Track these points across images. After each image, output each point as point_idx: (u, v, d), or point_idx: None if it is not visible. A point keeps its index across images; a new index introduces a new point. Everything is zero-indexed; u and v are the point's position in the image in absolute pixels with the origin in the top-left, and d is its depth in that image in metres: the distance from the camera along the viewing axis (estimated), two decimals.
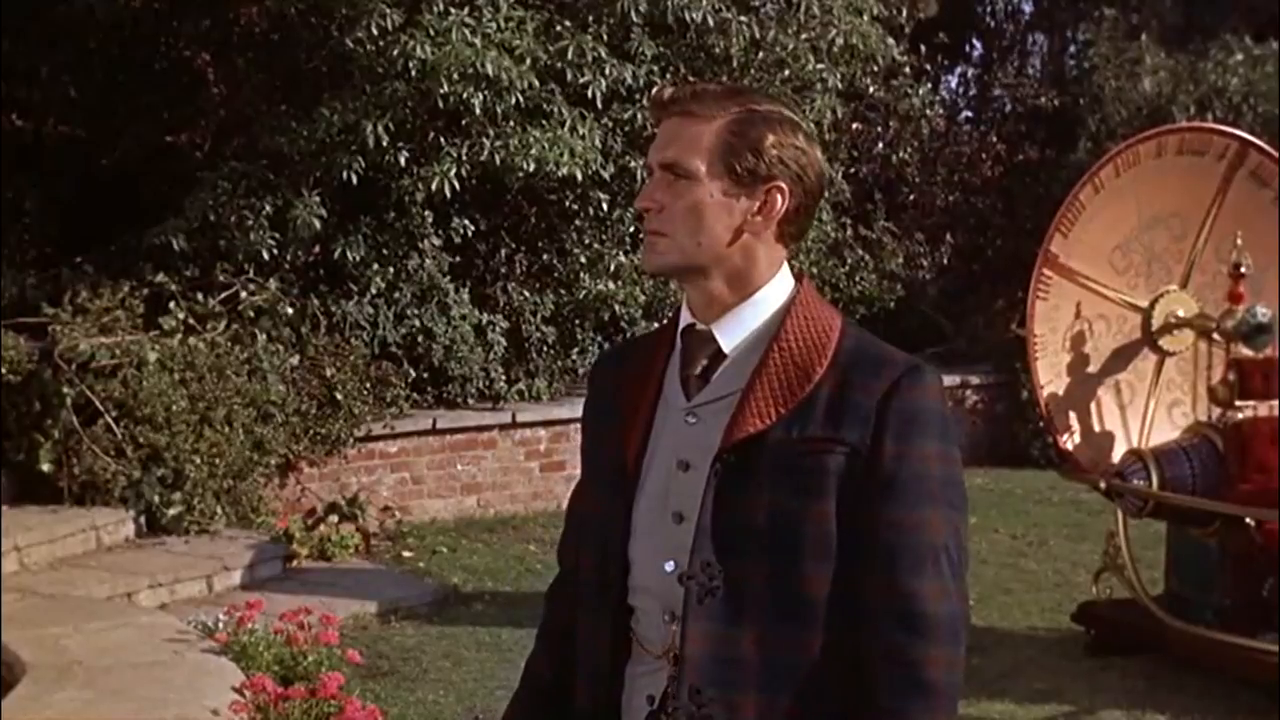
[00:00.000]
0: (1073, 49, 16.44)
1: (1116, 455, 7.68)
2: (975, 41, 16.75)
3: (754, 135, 2.42)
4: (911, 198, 14.61)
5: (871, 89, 13.46)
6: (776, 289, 2.48)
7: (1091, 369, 7.78)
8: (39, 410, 8.77)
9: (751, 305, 2.47)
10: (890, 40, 12.20)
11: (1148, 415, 7.79)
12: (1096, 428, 7.78)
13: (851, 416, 2.38)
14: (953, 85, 16.75)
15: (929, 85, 14.88)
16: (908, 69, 13.80)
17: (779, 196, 2.43)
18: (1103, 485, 7.56)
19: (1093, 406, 7.77)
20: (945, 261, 14.08)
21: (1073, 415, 7.75)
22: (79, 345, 8.81)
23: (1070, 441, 7.74)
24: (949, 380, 13.05)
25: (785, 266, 2.50)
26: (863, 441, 2.38)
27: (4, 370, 8.82)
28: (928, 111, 14.16)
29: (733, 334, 2.48)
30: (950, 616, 2.38)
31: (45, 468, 8.64)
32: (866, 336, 2.50)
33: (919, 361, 2.46)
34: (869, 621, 2.38)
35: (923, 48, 14.09)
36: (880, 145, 14.45)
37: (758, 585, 2.40)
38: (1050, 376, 7.71)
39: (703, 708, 2.43)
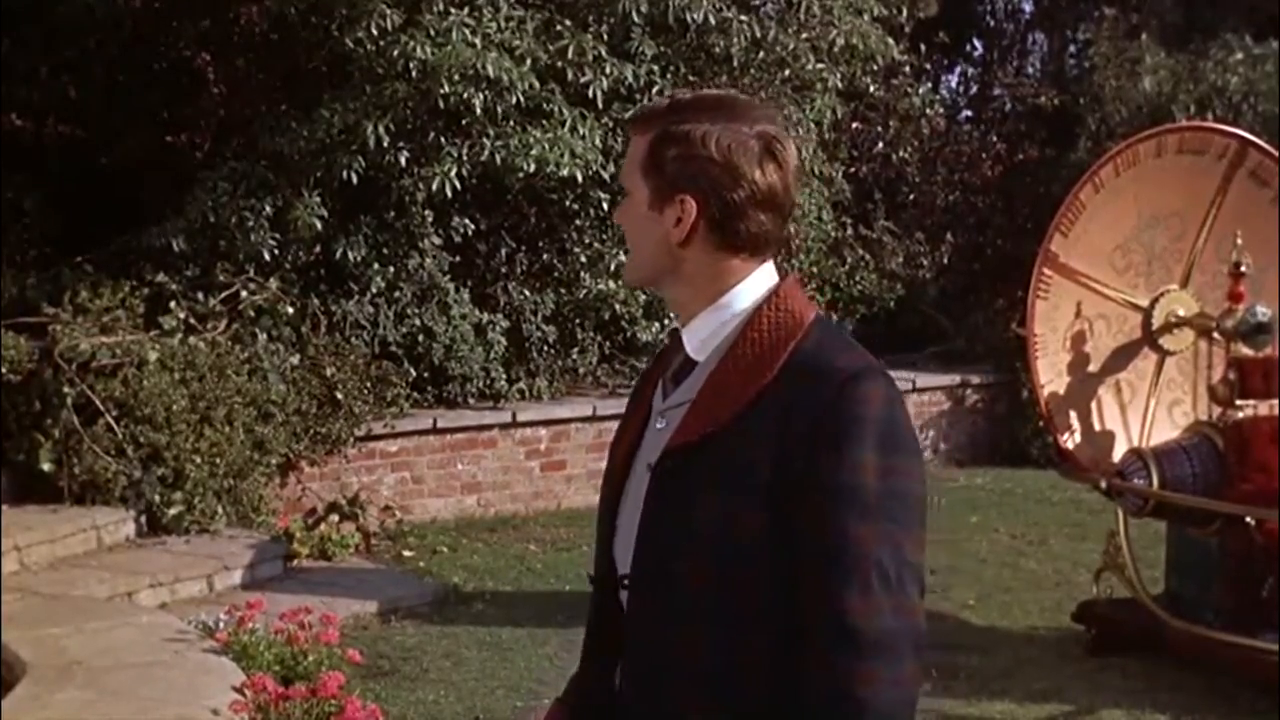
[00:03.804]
0: (1073, 48, 16.45)
1: (1117, 454, 7.68)
2: (975, 41, 16.75)
3: (662, 150, 2.46)
4: (911, 197, 14.61)
5: (872, 88, 13.47)
6: (744, 294, 2.49)
7: (1092, 368, 7.79)
8: (39, 410, 8.77)
9: (716, 310, 2.49)
10: (890, 40, 12.20)
11: (1148, 414, 7.79)
12: (1097, 427, 7.79)
13: (790, 424, 2.36)
14: (953, 85, 16.78)
15: (929, 85, 14.92)
16: (908, 68, 13.82)
17: (689, 208, 2.45)
18: (1103, 484, 7.56)
19: (1093, 406, 7.78)
20: (945, 261, 14.08)
21: (1073, 414, 7.76)
22: (79, 345, 8.81)
23: (1071, 441, 7.74)
24: (948, 380, 13.07)
25: (759, 271, 2.50)
26: (798, 450, 2.35)
27: (4, 370, 8.83)
28: (928, 111, 14.17)
29: (698, 339, 2.51)
30: (883, 632, 2.32)
31: (46, 467, 8.64)
32: (830, 341, 2.47)
33: (867, 369, 2.41)
34: (802, 634, 2.36)
35: (923, 47, 14.10)
36: (880, 145, 14.46)
37: (689, 589, 2.42)
38: (1050, 376, 7.72)
39: (635, 704, 2.50)
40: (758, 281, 2.50)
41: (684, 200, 2.45)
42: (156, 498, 8.76)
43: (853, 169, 14.20)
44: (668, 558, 2.45)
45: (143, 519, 8.80)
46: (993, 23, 16.73)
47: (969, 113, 16.30)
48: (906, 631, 2.34)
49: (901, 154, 14.30)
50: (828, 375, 2.38)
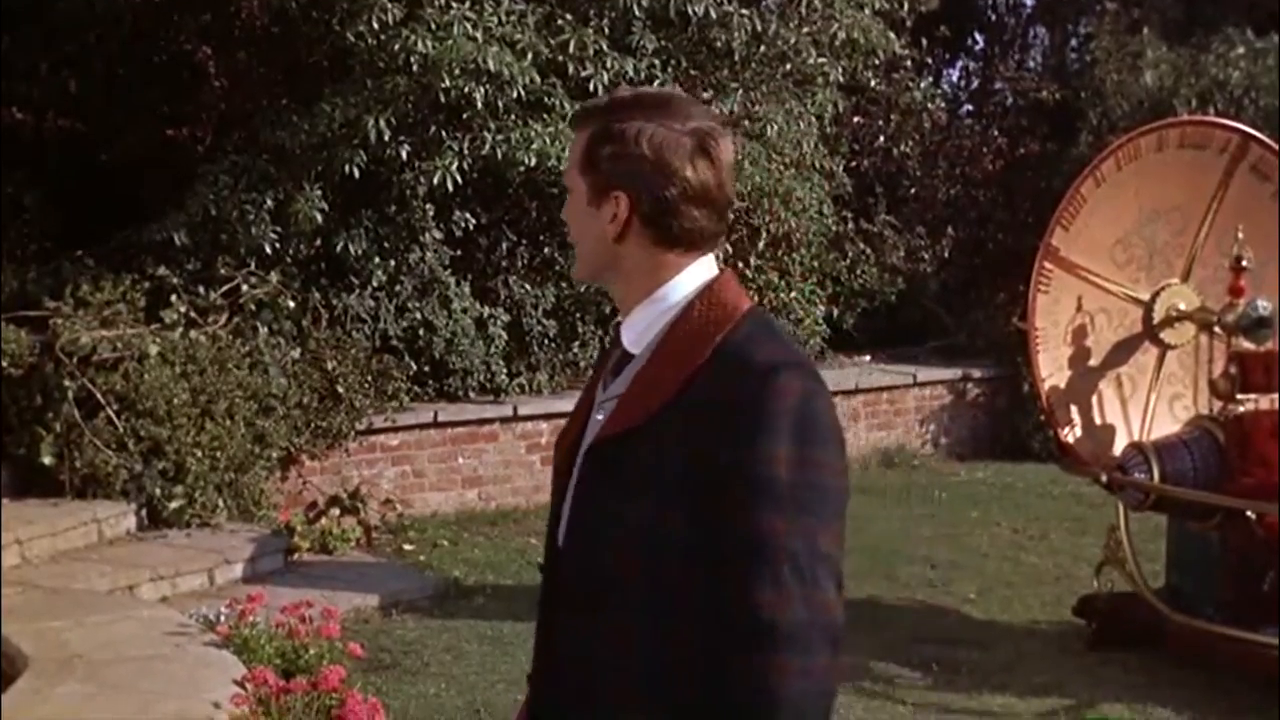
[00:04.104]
0: (1074, 42, 16.45)
1: (1118, 449, 7.68)
2: (977, 35, 16.74)
3: (598, 147, 2.51)
4: (913, 191, 14.61)
5: (873, 82, 13.46)
6: (678, 288, 2.52)
7: (1093, 362, 7.79)
8: (40, 403, 8.77)
9: (651, 304, 2.53)
10: (892, 34, 12.19)
11: (1149, 409, 7.80)
12: (1098, 421, 7.79)
13: (712, 417, 2.39)
14: (954, 79, 16.78)
15: (930, 79, 14.93)
16: (909, 62, 13.82)
17: (623, 205, 2.50)
18: (1104, 479, 7.57)
19: (1094, 400, 7.78)
20: (946, 255, 14.09)
21: (1074, 409, 7.76)
22: (80, 339, 8.81)
23: (1071, 435, 7.75)
24: (949, 374, 13.08)
25: (695, 265, 2.53)
26: (719, 443, 2.38)
27: (5, 364, 8.83)
28: (929, 105, 14.17)
29: (634, 332, 2.56)
30: (795, 624, 2.33)
31: (47, 461, 8.64)
32: (758, 334, 2.48)
33: (786, 362, 2.42)
34: (716, 624, 2.38)
35: (924, 41, 14.10)
36: (881, 139, 14.46)
37: (617, 582, 2.45)
38: (1051, 370, 7.72)
39: (553, 688, 2.58)
40: (693, 275, 2.53)
41: (618, 197, 2.50)
42: (157, 491, 8.76)
43: (854, 163, 14.20)
44: (596, 550, 2.48)
45: (144, 512, 8.81)
46: (994, 17, 16.73)
47: (970, 107, 16.29)
48: (820, 624, 2.35)
49: (903, 148, 14.30)
50: (748, 369, 2.41)
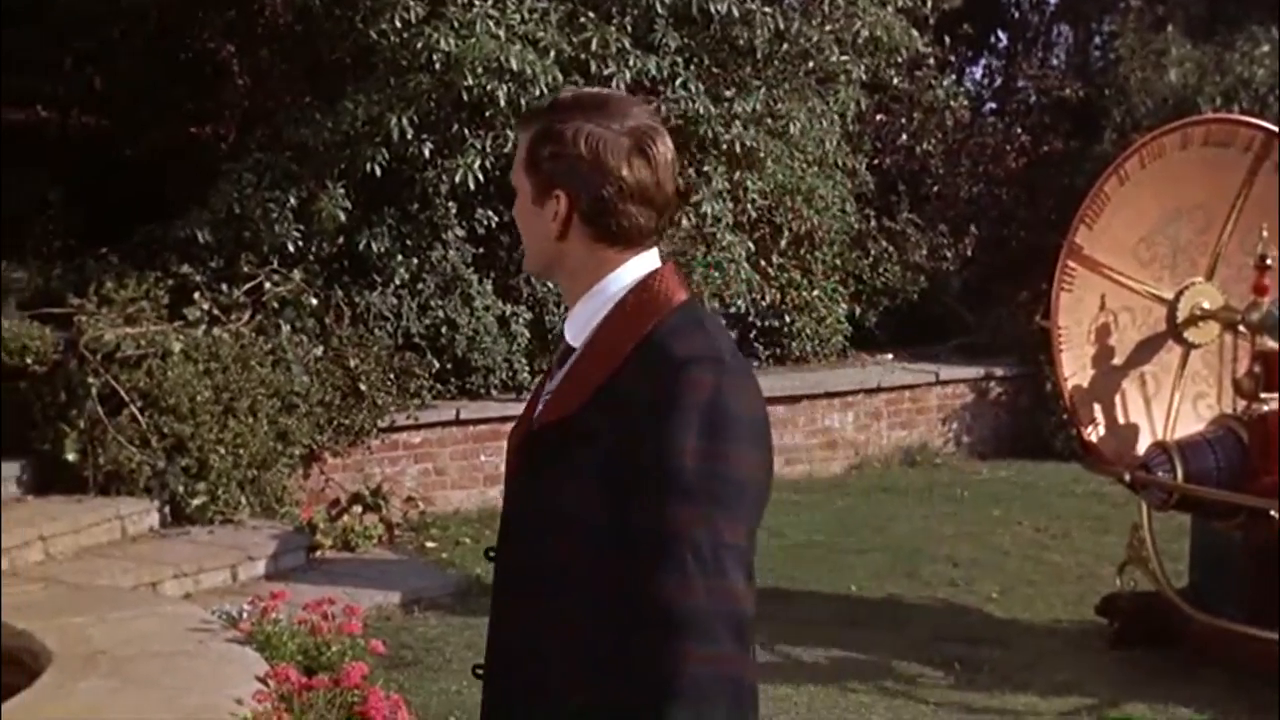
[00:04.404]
0: (1098, 40, 16.40)
1: (1141, 448, 7.66)
2: (1000, 33, 16.70)
3: (539, 148, 2.59)
4: (935, 189, 14.58)
5: (895, 80, 13.44)
6: (615, 282, 2.60)
7: (1116, 361, 7.77)
8: (64, 400, 8.80)
9: (590, 299, 2.61)
10: (915, 32, 12.17)
11: (1172, 408, 7.77)
12: (1121, 420, 7.77)
13: (628, 409, 2.46)
14: (977, 76, 16.72)
15: (953, 77, 14.88)
16: (932, 60, 13.78)
17: (562, 203, 2.57)
18: (1127, 478, 7.55)
19: (1117, 399, 7.76)
20: (969, 253, 14.05)
21: (1097, 407, 7.74)
22: (104, 336, 8.84)
23: (1094, 434, 7.73)
24: (972, 372, 13.05)
25: (635, 260, 2.61)
26: (635, 434, 2.44)
27: (30, 361, 8.86)
28: (952, 103, 14.13)
29: (574, 326, 2.64)
30: (697, 612, 2.39)
31: (70, 457, 8.67)
32: (684, 327, 2.54)
33: (701, 356, 2.48)
34: (629, 613, 2.43)
35: (947, 39, 14.06)
36: (904, 137, 14.43)
37: (540, 569, 2.55)
38: (1074, 369, 7.71)
39: (499, 677, 2.67)
40: (632, 270, 2.60)
41: (559, 196, 2.58)
42: (180, 488, 8.79)
43: (876, 161, 14.18)
44: (532, 540, 2.57)
45: (167, 509, 8.83)
46: (1017, 14, 16.68)
47: (993, 105, 16.25)
48: (723, 613, 2.40)
49: (925, 146, 14.27)
50: (665, 362, 2.48)
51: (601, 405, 2.50)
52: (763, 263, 12.26)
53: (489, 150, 10.11)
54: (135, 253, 10.16)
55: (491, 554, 2.70)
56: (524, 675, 2.60)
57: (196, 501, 8.80)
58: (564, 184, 2.57)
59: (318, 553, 8.96)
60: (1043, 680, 7.20)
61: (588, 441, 2.49)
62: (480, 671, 2.73)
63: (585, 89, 2.73)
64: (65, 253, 10.57)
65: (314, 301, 9.97)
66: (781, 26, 11.06)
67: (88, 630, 6.75)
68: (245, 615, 6.95)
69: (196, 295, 9.52)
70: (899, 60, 12.75)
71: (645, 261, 2.61)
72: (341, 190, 9.99)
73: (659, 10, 10.62)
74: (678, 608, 2.39)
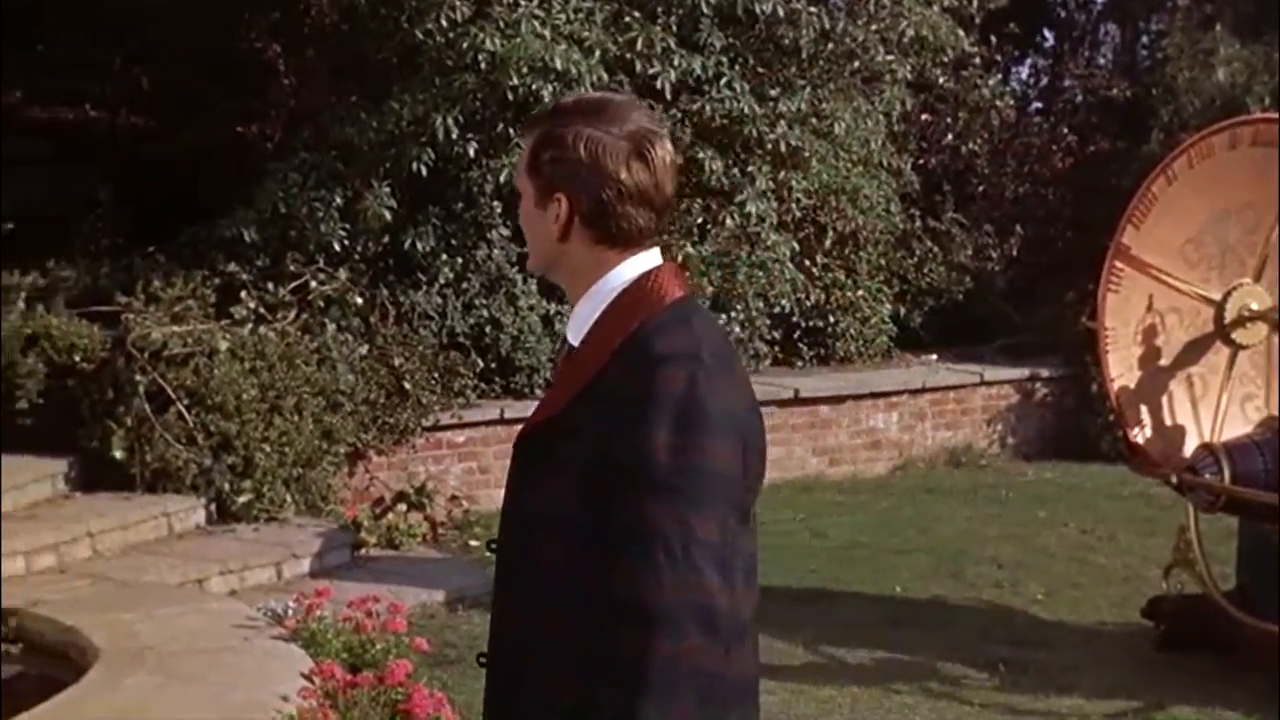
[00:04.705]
0: (1145, 39, 16.29)
1: (1188, 449, 7.61)
2: (1046, 32, 16.61)
3: (541, 152, 2.65)
4: (981, 189, 14.51)
5: (941, 80, 13.40)
6: (612, 282, 2.64)
7: (1163, 362, 7.72)
8: (112, 398, 8.86)
9: (589, 298, 2.66)
10: (960, 31, 12.14)
11: (1220, 409, 7.72)
12: (1168, 421, 7.72)
13: (609, 406, 2.51)
14: (1023, 76, 16.63)
15: (999, 76, 14.80)
16: (978, 60, 13.73)
17: (563, 205, 2.63)
18: (1174, 480, 7.50)
19: (1164, 400, 7.71)
20: (1014, 253, 13.99)
21: (1144, 409, 7.70)
22: (151, 334, 8.90)
23: (1141, 435, 7.69)
24: (1017, 373, 12.99)
25: (634, 259, 2.65)
26: (610, 430, 2.50)
27: (78, 358, 8.93)
28: (998, 102, 14.08)
29: (574, 325, 2.71)
30: (665, 605, 2.43)
31: (118, 455, 8.73)
32: (671, 325, 2.58)
33: (677, 354, 2.52)
34: (603, 605, 2.48)
35: (993, 38, 14.01)
36: (949, 136, 14.37)
37: (520, 562, 2.63)
38: (1121, 370, 7.66)
39: (496, 670, 2.72)
40: (629, 269, 2.64)
41: (559, 199, 2.63)
42: (226, 486, 8.83)
43: (921, 161, 14.13)
44: (523, 536, 2.63)
45: (213, 507, 8.88)
46: (1064, 14, 16.59)
47: (1039, 104, 16.16)
48: (691, 606, 2.44)
49: (971, 146, 14.22)
50: (644, 358, 2.53)
51: (586, 403, 2.55)
52: (807, 263, 12.24)
53: None
54: (182, 251, 10.22)
55: (493, 547, 2.75)
56: (519, 672, 2.65)
57: (242, 499, 8.84)
58: (564, 187, 2.62)
59: (362, 551, 8.99)
60: (1088, 683, 7.16)
61: (572, 439, 2.54)
62: (484, 661, 2.78)
63: (587, 94, 2.84)
64: (113, 251, 10.64)
65: (359, 300, 10.01)
66: (827, 26, 11.05)
67: (135, 626, 6.80)
68: (290, 612, 6.98)
69: (243, 294, 9.57)
70: (945, 60, 12.72)
71: (643, 261, 2.65)
72: (387, 189, 10.03)
73: (704, 10, 10.62)
74: (647, 603, 2.43)
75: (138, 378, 8.80)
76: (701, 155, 10.81)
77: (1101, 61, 16.24)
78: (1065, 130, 14.90)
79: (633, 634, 2.43)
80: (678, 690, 2.43)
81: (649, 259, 2.66)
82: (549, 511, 2.57)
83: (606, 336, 2.60)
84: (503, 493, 2.75)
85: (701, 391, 2.49)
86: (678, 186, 2.67)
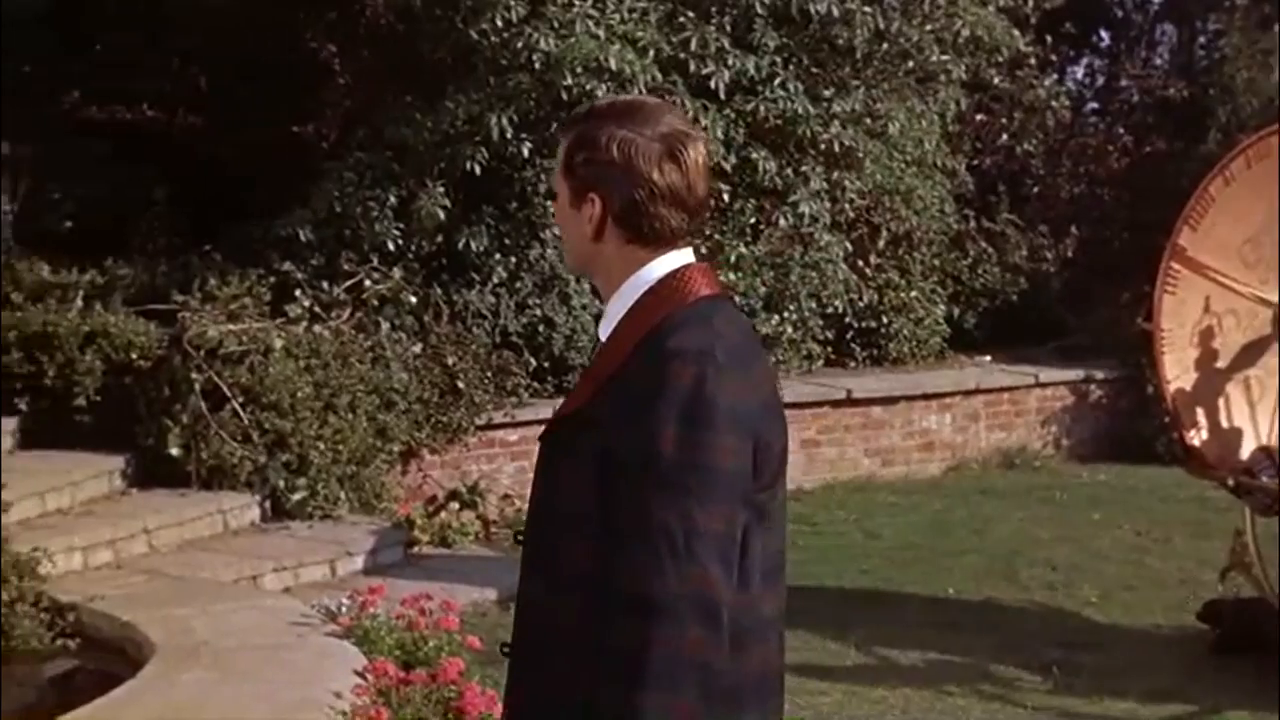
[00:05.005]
0: (1203, 39, 16.16)
1: (1244, 452, 7.56)
2: (1103, 32, 16.51)
3: (575, 154, 2.69)
4: (1036, 190, 14.46)
5: (996, 80, 13.34)
6: (642, 280, 2.67)
7: (1220, 364, 7.67)
8: (168, 395, 8.92)
9: (618, 297, 2.69)
10: (1016, 31, 12.09)
11: (1277, 412, 7.66)
12: (1224, 424, 7.67)
13: (623, 401, 2.54)
14: (1079, 76, 16.55)
15: (1055, 76, 14.74)
16: (1033, 60, 13.66)
17: (596, 206, 2.66)
18: (1230, 482, 7.45)
19: (1221, 402, 7.66)
20: (1069, 254, 13.92)
21: (1200, 411, 7.64)
22: (207, 332, 8.95)
23: (1197, 437, 7.64)
24: (1072, 375, 12.92)
25: (664, 258, 2.68)
26: (622, 425, 2.53)
27: (135, 356, 9.00)
28: (1053, 103, 14.01)
29: (606, 322, 2.72)
30: (666, 596, 2.45)
31: (174, 452, 8.78)
32: (690, 323, 2.61)
33: (687, 350, 2.55)
34: (605, 595, 2.51)
35: (1049, 38, 13.94)
36: (1004, 137, 14.31)
37: (543, 554, 2.67)
38: (1178, 371, 7.61)
39: (518, 661, 2.75)
40: (658, 268, 2.68)
41: (593, 199, 2.67)
42: (281, 483, 8.87)
43: (976, 161, 14.08)
44: (545, 531, 2.68)
45: (267, 504, 8.92)
46: (1121, 13, 16.49)
47: (1095, 105, 16.08)
48: (692, 598, 2.46)
49: (1026, 146, 14.16)
50: (658, 354, 2.55)
51: (605, 397, 2.59)
52: (860, 263, 12.22)
53: None
54: (238, 250, 10.28)
55: (519, 538, 2.79)
56: (538, 665, 2.68)
57: (296, 497, 8.88)
58: (598, 188, 2.66)
59: (415, 549, 9.02)
60: (1142, 686, 7.12)
61: (592, 432, 2.58)
62: (506, 650, 2.81)
63: (621, 96, 2.86)
64: (170, 250, 10.72)
65: (413, 299, 10.05)
66: (881, 26, 11.02)
67: (190, 622, 6.85)
68: (344, 610, 7.01)
69: (298, 293, 9.63)
70: (1000, 60, 12.66)
71: (673, 260, 2.68)
72: (441, 189, 10.06)
73: (758, 10, 10.61)
74: (648, 595, 2.46)
75: (194, 375, 8.85)
76: (755, 155, 10.80)
77: (1158, 61, 16.13)
78: (1121, 131, 14.82)
79: (634, 626, 2.46)
80: (678, 683, 2.45)
81: (679, 258, 2.69)
82: (570, 506, 2.60)
83: (629, 332, 2.63)
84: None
85: (710, 387, 2.52)
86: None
